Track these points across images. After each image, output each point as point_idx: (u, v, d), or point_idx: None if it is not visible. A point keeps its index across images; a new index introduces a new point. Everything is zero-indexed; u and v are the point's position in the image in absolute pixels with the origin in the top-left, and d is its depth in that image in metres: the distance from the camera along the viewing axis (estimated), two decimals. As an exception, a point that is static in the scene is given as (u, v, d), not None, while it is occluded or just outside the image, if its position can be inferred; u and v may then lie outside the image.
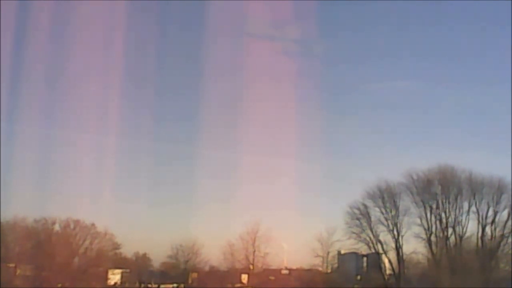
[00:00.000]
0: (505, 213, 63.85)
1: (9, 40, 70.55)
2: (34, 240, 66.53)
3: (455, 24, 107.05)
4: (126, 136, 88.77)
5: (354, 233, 67.41)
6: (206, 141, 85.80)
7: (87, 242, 69.53)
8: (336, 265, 77.82)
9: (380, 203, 66.46)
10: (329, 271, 75.82)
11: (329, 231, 71.60)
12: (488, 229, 64.03)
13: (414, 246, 66.19)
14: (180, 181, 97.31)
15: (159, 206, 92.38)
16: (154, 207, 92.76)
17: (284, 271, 79.80)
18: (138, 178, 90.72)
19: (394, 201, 66.09)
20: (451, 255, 64.05)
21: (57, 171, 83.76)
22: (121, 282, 77.47)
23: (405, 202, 65.97)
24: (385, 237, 66.51)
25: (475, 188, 64.34)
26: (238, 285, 75.50)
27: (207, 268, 79.15)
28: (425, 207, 65.02)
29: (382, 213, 66.43)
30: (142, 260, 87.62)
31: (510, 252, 64.29)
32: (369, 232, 66.75)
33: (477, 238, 64.25)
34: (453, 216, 64.48)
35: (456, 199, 64.66)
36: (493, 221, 63.87)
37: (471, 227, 64.57)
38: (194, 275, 78.76)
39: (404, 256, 66.30)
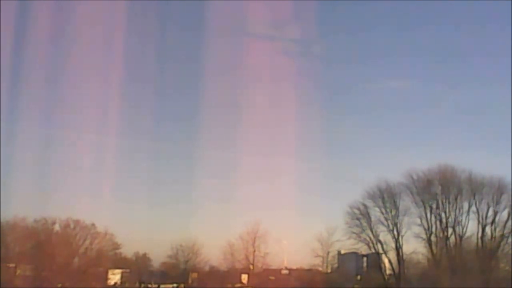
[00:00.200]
0: (505, 213, 63.95)
1: (9, 40, 70.51)
2: (34, 240, 66.45)
3: (456, 23, 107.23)
4: (126, 136, 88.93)
5: (354, 233, 67.50)
6: (206, 141, 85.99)
7: (87, 242, 69.50)
8: (336, 265, 77.88)
9: (380, 203, 66.55)
10: (329, 271, 75.83)
11: (329, 231, 71.75)
12: (488, 229, 64.11)
13: (414, 246, 66.35)
14: (180, 181, 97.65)
15: (159, 206, 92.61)
16: (154, 207, 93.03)
17: (284, 271, 79.83)
18: (138, 178, 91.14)
19: (394, 201, 66.16)
20: (451, 255, 64.05)
21: (57, 171, 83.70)
22: (121, 282, 77.49)
23: (405, 202, 66.12)
24: (385, 237, 66.66)
25: (475, 188, 64.35)
26: (238, 285, 75.50)
27: (207, 268, 79.22)
28: (425, 207, 65.05)
29: (382, 213, 66.54)
30: (142, 260, 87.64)
31: (510, 252, 64.28)
32: (369, 232, 66.84)
33: (477, 238, 64.27)
34: (453, 216, 64.56)
35: (456, 199, 64.65)
36: (493, 221, 63.87)
37: (471, 227, 64.71)
38: (194, 275, 78.78)
39: (404, 256, 66.34)
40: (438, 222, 64.67)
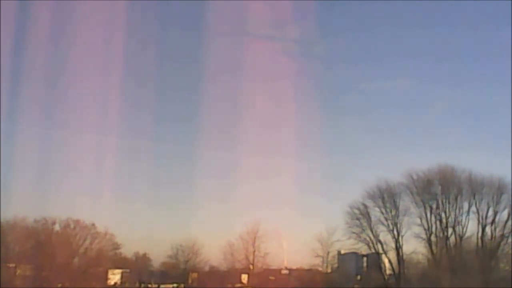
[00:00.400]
0: (505, 213, 63.92)
1: (9, 40, 70.40)
2: (34, 240, 66.41)
3: (455, 24, 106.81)
4: (126, 136, 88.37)
5: (354, 233, 67.53)
6: (206, 141, 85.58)
7: (87, 242, 69.48)
8: (336, 265, 77.82)
9: (380, 203, 66.56)
10: (329, 271, 75.81)
11: (329, 231, 71.69)
12: (488, 229, 64.07)
13: (414, 246, 66.34)
14: (180, 181, 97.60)
15: (159, 206, 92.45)
16: (154, 207, 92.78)
17: (284, 271, 79.78)
18: (138, 178, 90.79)
19: (394, 201, 66.17)
20: (451, 255, 64.06)
21: (57, 171, 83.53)
22: (121, 282, 77.47)
23: (405, 202, 66.11)
24: (385, 237, 66.64)
25: (475, 188, 64.35)
26: (238, 285, 75.50)
27: (207, 268, 79.28)
28: (425, 207, 65.07)
29: (382, 213, 66.55)
30: (142, 260, 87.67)
31: (510, 252, 64.29)
32: (369, 232, 66.86)
33: (477, 238, 64.25)
34: (453, 216, 64.56)
35: (456, 199, 64.67)
36: (493, 221, 63.86)
37: (471, 227, 64.67)
38: (194, 275, 78.81)
39: (404, 256, 66.36)
40: (438, 222, 64.73)
